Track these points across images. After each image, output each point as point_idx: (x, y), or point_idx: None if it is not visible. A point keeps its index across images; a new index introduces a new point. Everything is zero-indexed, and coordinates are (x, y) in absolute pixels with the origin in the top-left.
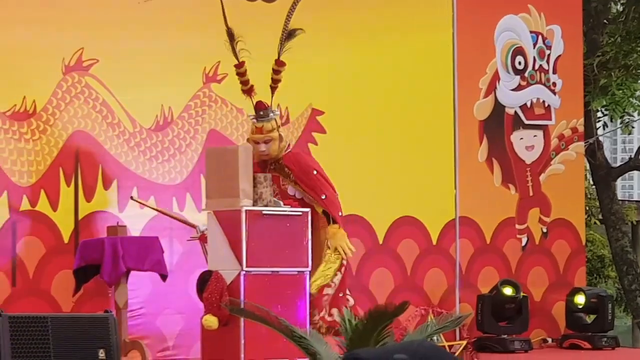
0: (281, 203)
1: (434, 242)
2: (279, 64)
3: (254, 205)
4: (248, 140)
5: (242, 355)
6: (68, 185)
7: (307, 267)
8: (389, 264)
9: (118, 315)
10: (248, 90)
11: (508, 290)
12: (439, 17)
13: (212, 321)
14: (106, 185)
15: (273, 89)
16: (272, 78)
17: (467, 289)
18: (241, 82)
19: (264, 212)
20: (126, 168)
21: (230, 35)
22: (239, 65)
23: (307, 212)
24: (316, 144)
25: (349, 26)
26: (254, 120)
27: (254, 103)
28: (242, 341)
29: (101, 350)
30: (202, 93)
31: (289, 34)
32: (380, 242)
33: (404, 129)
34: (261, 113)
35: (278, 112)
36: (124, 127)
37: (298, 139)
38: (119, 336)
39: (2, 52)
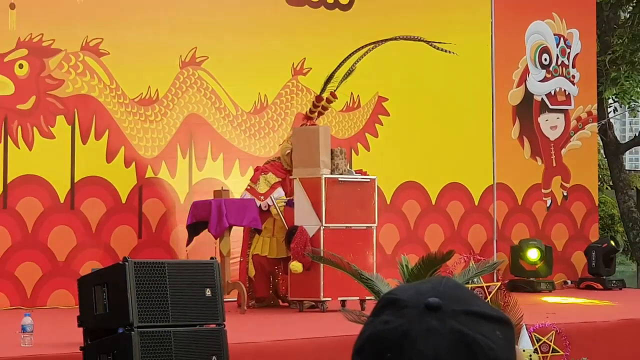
0: (353, 172)
1: (476, 203)
2: (334, 96)
3: (331, 173)
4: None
5: (322, 294)
6: (184, 157)
7: (374, 223)
8: (439, 220)
9: (222, 262)
10: (308, 119)
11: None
12: (480, 22)
13: (298, 266)
14: (214, 157)
15: (320, 114)
16: (322, 106)
17: (502, 241)
18: (310, 110)
19: (339, 179)
20: (230, 143)
21: (330, 77)
22: (319, 99)
23: (374, 179)
24: (381, 124)
25: (405, 31)
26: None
27: (308, 125)
28: (322, 282)
29: (208, 290)
30: (291, 84)
31: (348, 73)
32: (433, 203)
33: (451, 113)
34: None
35: None
36: (229, 110)
37: (367, 120)
38: (222, 278)
39: (132, 50)
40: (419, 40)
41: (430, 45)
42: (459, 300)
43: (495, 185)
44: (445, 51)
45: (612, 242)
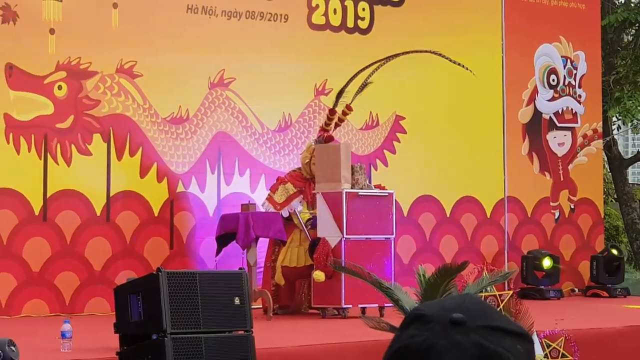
0: (372, 187)
1: (488, 216)
2: (350, 109)
3: (352, 188)
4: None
5: (343, 301)
6: (212, 172)
7: (392, 234)
8: (454, 232)
9: (249, 271)
10: (324, 131)
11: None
12: (492, 45)
13: (320, 275)
14: (241, 173)
15: (337, 125)
16: (339, 118)
17: (513, 251)
18: (325, 123)
19: (359, 193)
20: (256, 160)
21: (341, 92)
22: (332, 112)
23: (392, 193)
24: (399, 141)
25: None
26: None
27: (324, 137)
28: (343, 291)
29: (236, 298)
30: (314, 103)
31: (363, 86)
32: (448, 215)
33: (464, 130)
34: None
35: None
36: (255, 129)
37: (385, 137)
38: (250, 287)
39: (164, 72)
40: (433, 53)
41: (442, 56)
42: (481, 316)
43: (506, 198)
44: (458, 64)
45: (614, 251)
